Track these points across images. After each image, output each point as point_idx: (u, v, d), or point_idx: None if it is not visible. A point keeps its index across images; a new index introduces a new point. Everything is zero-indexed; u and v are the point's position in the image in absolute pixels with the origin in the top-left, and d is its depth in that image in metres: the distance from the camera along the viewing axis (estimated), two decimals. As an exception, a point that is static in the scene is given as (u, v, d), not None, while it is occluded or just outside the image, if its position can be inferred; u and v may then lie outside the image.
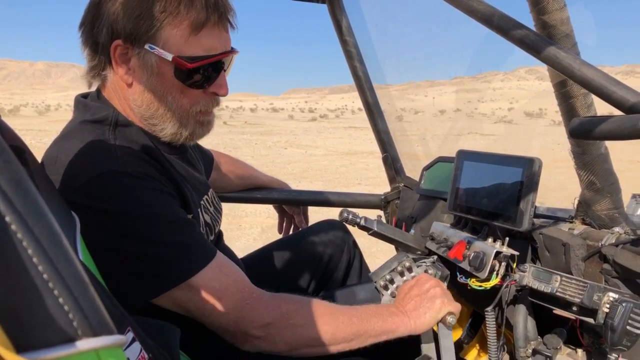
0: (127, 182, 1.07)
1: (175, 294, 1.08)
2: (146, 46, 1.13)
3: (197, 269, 1.09)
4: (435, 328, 1.34)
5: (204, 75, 1.19)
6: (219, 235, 1.55)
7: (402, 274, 1.40)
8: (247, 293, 1.15)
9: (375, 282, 1.41)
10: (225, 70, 1.25)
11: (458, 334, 2.05)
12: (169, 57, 1.13)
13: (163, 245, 1.08)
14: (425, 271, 1.42)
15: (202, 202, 1.35)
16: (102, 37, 1.14)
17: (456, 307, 1.30)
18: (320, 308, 1.20)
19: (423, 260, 1.45)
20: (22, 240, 0.37)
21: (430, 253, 1.65)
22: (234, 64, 1.29)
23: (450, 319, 1.27)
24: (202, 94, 1.23)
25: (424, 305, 1.27)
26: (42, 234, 0.39)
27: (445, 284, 1.46)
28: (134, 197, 1.07)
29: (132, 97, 1.20)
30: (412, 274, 1.41)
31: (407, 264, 1.42)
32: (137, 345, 0.67)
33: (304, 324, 1.17)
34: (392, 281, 1.39)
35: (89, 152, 1.11)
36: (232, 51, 1.23)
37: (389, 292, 1.39)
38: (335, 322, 1.19)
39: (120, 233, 1.05)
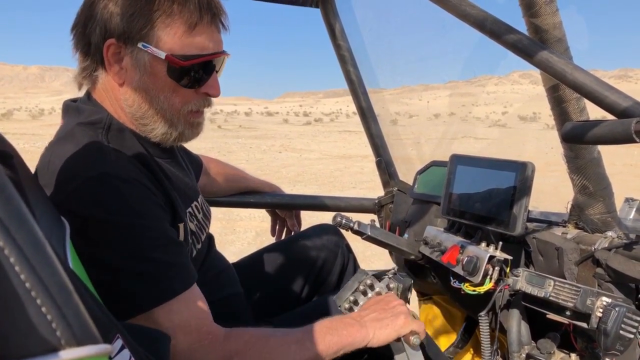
0: (119, 187, 1.06)
1: (139, 318, 1.05)
2: (139, 45, 1.13)
3: (168, 297, 1.06)
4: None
5: (196, 74, 1.19)
6: (210, 240, 1.54)
7: (364, 293, 1.40)
8: (204, 333, 1.12)
9: (339, 306, 1.40)
10: (217, 72, 1.25)
11: (452, 338, 2.05)
12: (162, 55, 1.13)
13: (144, 262, 1.05)
14: (387, 285, 1.41)
15: (189, 210, 1.34)
16: (94, 37, 1.14)
17: (419, 326, 1.28)
18: (271, 342, 1.17)
19: (384, 275, 1.45)
20: (3, 248, 0.37)
21: (424, 257, 1.65)
22: (229, 67, 1.30)
23: (414, 339, 1.25)
24: (193, 94, 1.23)
25: (386, 317, 1.25)
26: (24, 242, 0.38)
27: (409, 294, 1.46)
28: (124, 205, 1.05)
29: (123, 97, 1.19)
30: (376, 289, 1.40)
31: (369, 282, 1.41)
32: (126, 353, 0.66)
33: None
34: (356, 302, 1.39)
35: (82, 155, 1.10)
36: (224, 53, 1.24)
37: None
38: (288, 353, 1.16)
39: (105, 243, 1.02)
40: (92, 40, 1.15)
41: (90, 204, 1.03)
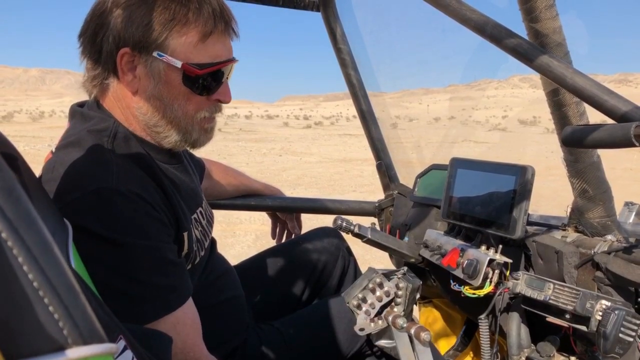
0: (119, 203, 1.05)
1: None
2: (154, 54, 1.14)
3: (157, 316, 1.07)
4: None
5: (210, 82, 1.21)
6: (212, 244, 1.54)
7: (373, 291, 1.40)
8: (191, 357, 1.13)
9: (348, 303, 1.40)
10: (227, 78, 1.26)
11: (452, 342, 2.05)
12: (178, 64, 1.15)
13: (134, 282, 1.06)
14: (396, 284, 1.41)
15: (194, 216, 1.34)
16: (107, 46, 1.14)
17: None
18: None
19: (394, 274, 1.45)
20: (12, 248, 0.37)
21: (424, 260, 1.65)
22: None
23: (425, 336, 1.25)
24: (206, 101, 1.24)
25: None
26: (32, 242, 0.38)
27: (417, 295, 1.46)
28: (122, 222, 1.05)
29: (136, 105, 1.20)
30: (385, 288, 1.40)
31: (378, 280, 1.41)
32: (129, 354, 0.66)
33: None
34: (364, 300, 1.39)
35: (86, 165, 1.10)
36: (235, 59, 1.25)
37: (363, 310, 1.38)
38: None
39: (98, 259, 1.02)
40: (103, 49, 1.15)
41: (87, 217, 1.02)
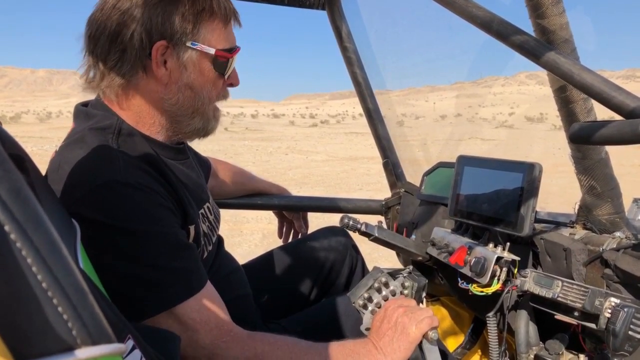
0: (128, 194, 1.06)
1: (156, 319, 1.07)
2: (188, 43, 1.18)
3: (182, 298, 1.08)
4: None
5: (230, 66, 1.28)
6: (219, 242, 1.54)
7: (379, 290, 1.40)
8: (226, 330, 1.13)
9: (354, 303, 1.40)
10: None
11: (460, 339, 2.05)
12: (212, 51, 1.22)
13: (155, 268, 1.07)
14: (402, 283, 1.41)
15: (201, 212, 1.35)
16: (136, 42, 1.15)
17: (431, 322, 1.25)
18: (295, 351, 1.17)
19: (399, 273, 1.45)
20: (21, 249, 0.37)
21: (431, 259, 1.65)
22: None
23: (432, 334, 1.24)
24: (222, 86, 1.31)
25: (396, 338, 1.23)
26: (41, 243, 0.39)
27: (423, 294, 1.45)
28: (134, 211, 1.06)
29: (166, 97, 1.22)
30: (390, 288, 1.40)
31: (384, 280, 1.41)
32: (137, 353, 0.67)
33: None
34: (370, 299, 1.39)
35: (92, 161, 1.10)
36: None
37: (369, 310, 1.38)
38: None
39: (115, 250, 1.03)
40: (132, 45, 1.15)
41: (98, 210, 1.03)
